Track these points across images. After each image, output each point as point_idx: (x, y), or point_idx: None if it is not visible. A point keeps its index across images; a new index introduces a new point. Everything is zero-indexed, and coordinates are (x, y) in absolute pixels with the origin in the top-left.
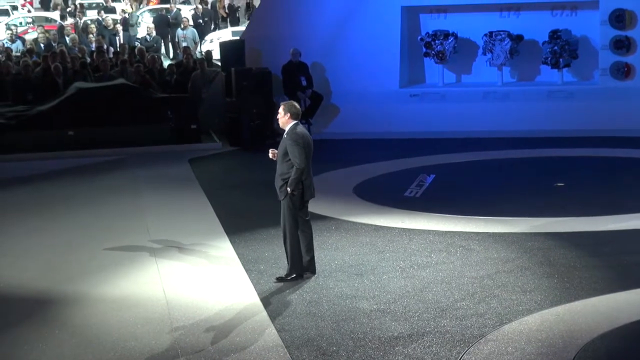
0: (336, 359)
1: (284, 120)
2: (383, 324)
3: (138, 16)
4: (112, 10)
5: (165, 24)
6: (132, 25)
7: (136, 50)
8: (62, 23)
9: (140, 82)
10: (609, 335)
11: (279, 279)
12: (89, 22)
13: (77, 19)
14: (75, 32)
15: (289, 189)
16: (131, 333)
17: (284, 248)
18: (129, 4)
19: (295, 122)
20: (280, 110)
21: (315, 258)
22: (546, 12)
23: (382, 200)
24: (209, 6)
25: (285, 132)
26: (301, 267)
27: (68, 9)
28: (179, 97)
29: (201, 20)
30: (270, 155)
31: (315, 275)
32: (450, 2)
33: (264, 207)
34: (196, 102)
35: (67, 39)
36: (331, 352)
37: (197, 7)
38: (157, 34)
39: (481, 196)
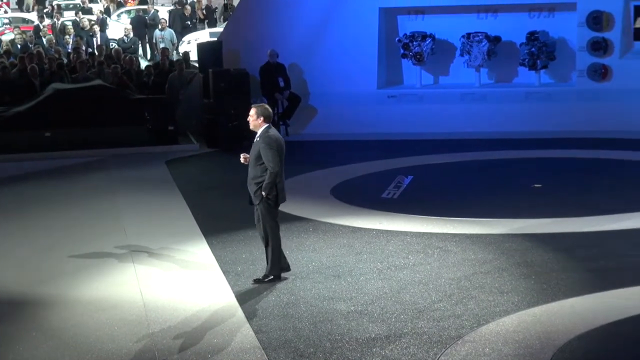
0: None
1: (257, 123)
2: (360, 326)
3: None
4: (89, 11)
5: (143, 24)
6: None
7: (112, 52)
8: (39, 24)
9: (118, 84)
10: (585, 337)
11: (257, 280)
12: (66, 23)
13: (55, 19)
14: (52, 33)
15: (263, 193)
16: (108, 335)
17: (264, 250)
18: (106, 5)
19: (267, 125)
20: (252, 113)
21: (293, 260)
22: (524, 14)
23: (359, 201)
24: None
25: (258, 135)
26: (280, 268)
27: (45, 10)
28: (156, 98)
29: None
30: (242, 160)
31: (293, 277)
32: (427, 4)
33: (241, 209)
34: (173, 104)
35: (44, 39)
36: (308, 353)
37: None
38: (134, 35)
39: (459, 197)
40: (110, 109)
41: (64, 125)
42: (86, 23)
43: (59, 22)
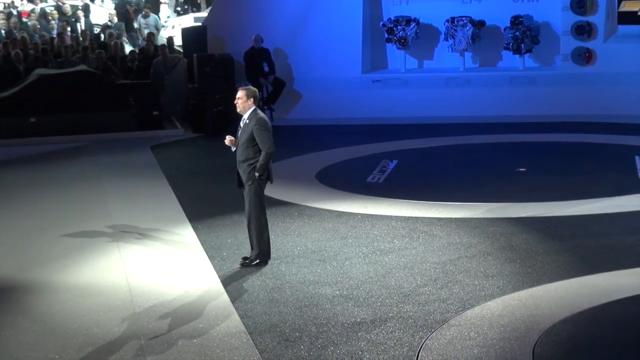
0: (299, 345)
1: (247, 104)
2: (346, 310)
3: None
4: None
5: (126, 9)
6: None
7: (107, 35)
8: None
9: (102, 69)
10: (570, 320)
11: (243, 265)
12: (46, 9)
13: (35, 5)
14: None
15: (257, 174)
16: (94, 320)
17: (247, 234)
18: None
19: (254, 106)
20: (242, 95)
21: (278, 244)
22: None
23: (344, 186)
24: None
25: (246, 116)
26: (266, 252)
27: None
28: (140, 83)
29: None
30: (227, 142)
31: (278, 262)
32: None
33: (226, 194)
34: (158, 89)
35: (28, 24)
36: (294, 337)
37: None
38: (119, 20)
39: (443, 182)
40: (95, 95)
41: (48, 110)
42: (68, 8)
43: (38, 7)
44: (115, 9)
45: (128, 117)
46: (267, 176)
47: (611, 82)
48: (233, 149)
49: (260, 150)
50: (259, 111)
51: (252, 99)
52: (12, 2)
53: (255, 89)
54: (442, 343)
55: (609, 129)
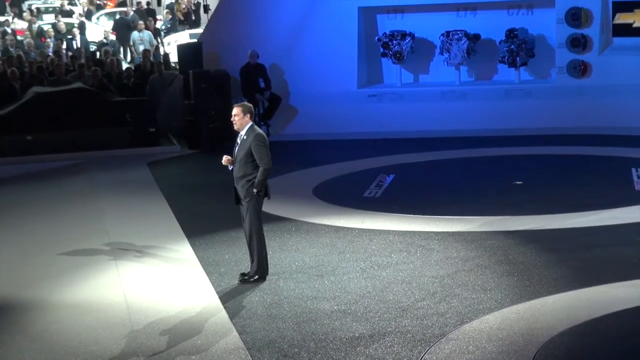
0: None
1: (245, 120)
2: (344, 325)
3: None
4: (69, 14)
5: (126, 27)
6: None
7: (102, 52)
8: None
9: (98, 86)
10: (568, 333)
11: (242, 281)
12: (43, 27)
13: (32, 24)
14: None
15: (255, 190)
16: (92, 337)
17: (248, 249)
18: (86, 7)
19: (251, 122)
20: (238, 112)
21: (276, 260)
22: (502, 11)
23: (341, 201)
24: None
25: (243, 132)
26: (265, 268)
27: (24, 13)
28: (137, 100)
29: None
30: (224, 162)
31: (276, 277)
32: (407, 2)
33: (223, 210)
34: (154, 105)
35: (24, 43)
36: (293, 353)
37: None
38: (117, 37)
39: (440, 195)
40: (91, 112)
41: (45, 128)
42: (62, 26)
43: (36, 25)
44: (113, 27)
45: (125, 134)
46: (264, 192)
47: (607, 94)
48: (230, 167)
49: (258, 166)
50: (256, 127)
51: (248, 115)
52: (7, 20)
53: (251, 105)
54: (441, 357)
55: (605, 141)
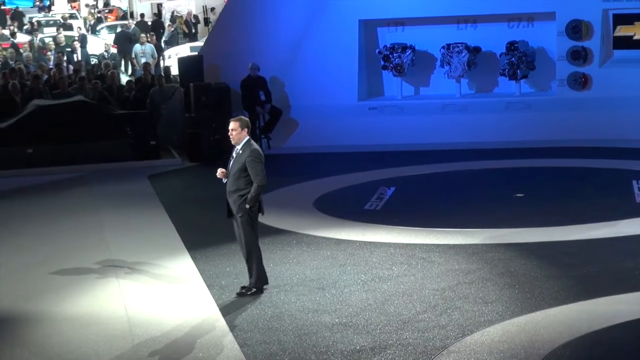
0: None
1: (242, 135)
2: (345, 338)
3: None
4: (70, 27)
5: (128, 40)
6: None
7: (102, 65)
8: (14, 40)
9: (99, 99)
10: (570, 345)
11: (241, 294)
12: (45, 39)
13: (33, 36)
14: (30, 50)
15: (247, 205)
16: (93, 350)
17: (246, 263)
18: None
19: (248, 137)
20: (235, 126)
21: (276, 272)
22: (503, 24)
23: (342, 213)
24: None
25: (240, 147)
26: (263, 281)
27: (25, 27)
28: (137, 113)
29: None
30: (219, 174)
31: (277, 290)
32: (407, 15)
33: (224, 223)
34: (155, 118)
35: (23, 56)
36: None
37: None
38: (119, 50)
39: (441, 208)
40: (92, 125)
41: (45, 141)
42: (62, 39)
43: (38, 38)
44: (115, 41)
45: (125, 147)
46: (258, 208)
47: (607, 106)
48: (224, 180)
49: (251, 182)
50: (252, 142)
51: (246, 129)
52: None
53: (247, 119)
54: None
55: (606, 153)
